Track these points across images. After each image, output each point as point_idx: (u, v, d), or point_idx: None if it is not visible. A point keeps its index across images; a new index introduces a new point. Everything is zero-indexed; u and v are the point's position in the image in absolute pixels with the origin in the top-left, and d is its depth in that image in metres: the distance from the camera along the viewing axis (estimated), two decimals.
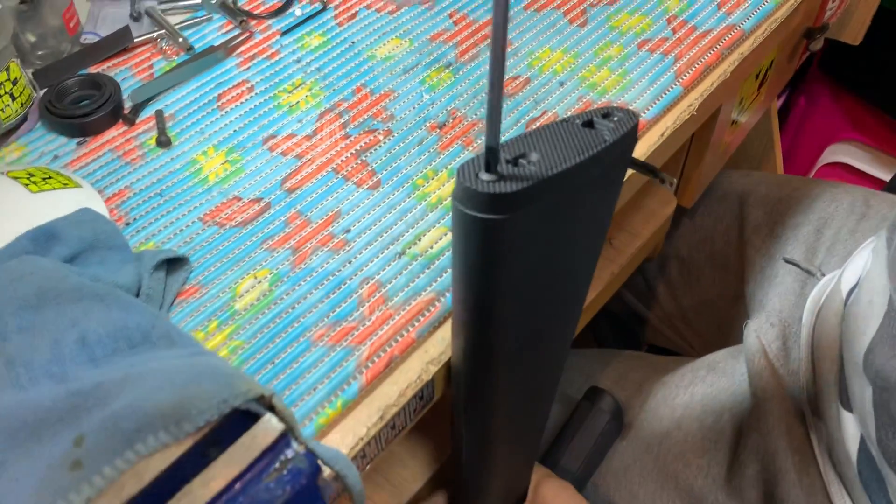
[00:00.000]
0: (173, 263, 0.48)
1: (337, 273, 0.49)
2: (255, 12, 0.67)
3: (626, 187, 0.59)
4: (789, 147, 1.49)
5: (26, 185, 0.49)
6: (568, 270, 0.40)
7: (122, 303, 0.38)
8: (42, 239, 0.44)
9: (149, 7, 0.66)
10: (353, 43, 0.64)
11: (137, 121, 0.58)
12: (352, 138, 0.57)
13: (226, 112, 0.59)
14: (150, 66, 0.62)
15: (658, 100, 0.59)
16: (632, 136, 0.34)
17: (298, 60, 0.63)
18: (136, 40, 0.63)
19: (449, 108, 0.59)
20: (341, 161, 0.55)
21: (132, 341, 0.35)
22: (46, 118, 0.57)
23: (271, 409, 0.31)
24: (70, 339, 0.35)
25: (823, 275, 0.73)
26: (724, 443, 0.67)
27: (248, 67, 0.62)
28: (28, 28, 0.61)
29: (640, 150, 0.57)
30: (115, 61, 0.63)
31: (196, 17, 0.66)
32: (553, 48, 0.63)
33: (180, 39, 0.63)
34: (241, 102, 0.60)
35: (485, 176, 0.30)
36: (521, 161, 0.31)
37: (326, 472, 0.32)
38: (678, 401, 0.71)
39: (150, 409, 0.29)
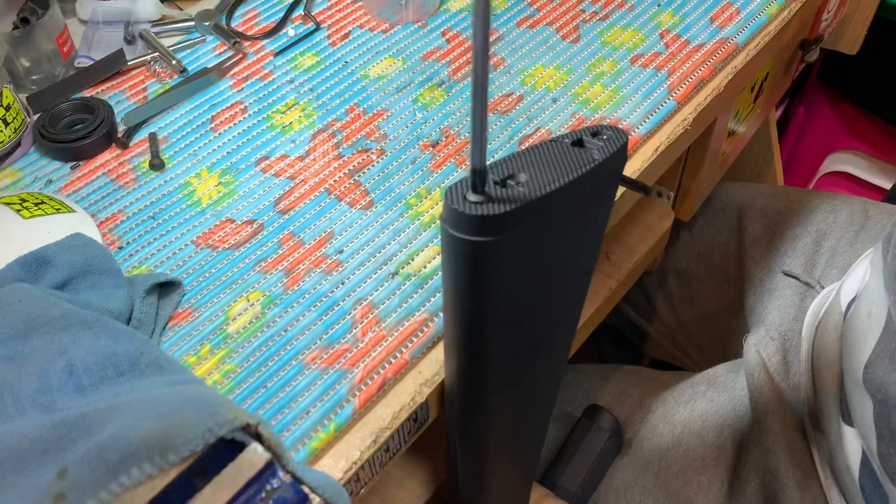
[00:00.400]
0: (166, 287, 0.48)
1: (330, 294, 0.48)
2: (249, 33, 0.67)
3: (622, 202, 0.59)
4: (789, 157, 1.49)
5: (18, 210, 0.49)
6: (560, 289, 0.39)
7: (111, 330, 0.37)
8: (33, 265, 0.44)
9: (142, 30, 0.66)
10: (346, 62, 0.64)
11: (131, 144, 0.58)
12: (345, 158, 0.57)
13: (219, 134, 0.59)
14: (144, 89, 0.62)
15: (652, 115, 0.59)
16: (622, 154, 0.34)
17: (292, 81, 0.63)
18: (129, 63, 0.63)
19: (442, 127, 0.59)
20: (334, 181, 0.55)
21: (120, 369, 0.35)
22: (40, 143, 0.57)
23: (258, 437, 0.30)
24: (57, 368, 0.35)
25: (823, 287, 0.73)
26: (724, 459, 0.66)
27: (242, 89, 0.62)
28: (22, 52, 0.61)
29: (635, 166, 0.56)
30: (108, 84, 0.63)
31: (190, 40, 0.66)
32: (546, 65, 0.63)
33: (174, 62, 0.63)
34: (235, 124, 0.60)
35: (472, 197, 0.30)
36: (510, 182, 0.31)
37: (315, 500, 0.31)
38: (678, 417, 0.70)
39: (134, 439, 0.28)
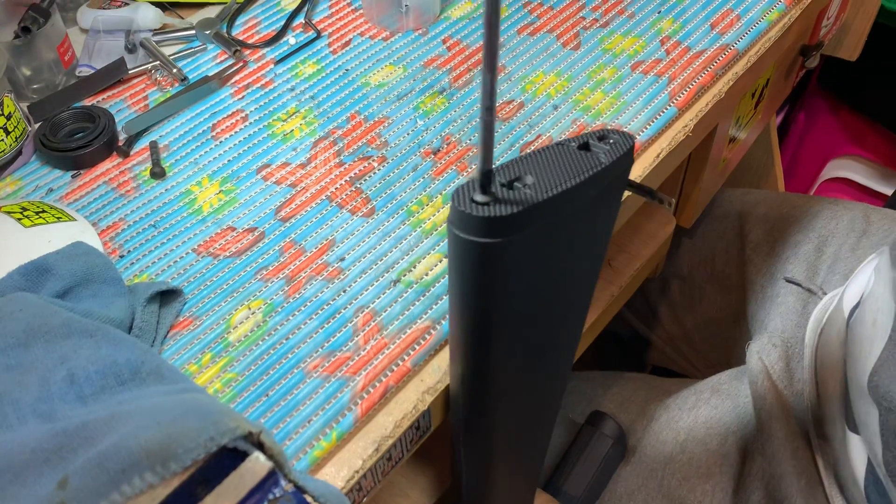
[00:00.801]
0: (167, 295, 0.48)
1: (331, 302, 0.48)
2: (250, 42, 0.67)
3: (624, 208, 0.59)
4: (790, 163, 1.49)
5: (19, 219, 0.49)
6: (566, 292, 0.39)
7: (112, 338, 0.37)
8: (34, 274, 0.44)
9: (143, 38, 0.66)
10: (346, 70, 0.64)
11: (132, 152, 0.58)
12: (346, 166, 0.57)
13: (220, 142, 0.59)
14: (145, 98, 0.62)
15: (653, 121, 0.58)
16: (628, 158, 0.34)
17: (292, 89, 0.63)
18: (130, 72, 0.63)
19: (443, 134, 0.59)
20: (335, 189, 0.55)
21: (121, 378, 0.35)
22: (41, 151, 0.57)
23: (260, 445, 0.30)
24: (58, 377, 0.34)
25: (825, 293, 0.72)
26: (729, 466, 0.66)
27: (243, 97, 0.62)
28: (23, 62, 0.61)
29: (637, 172, 0.56)
30: (109, 93, 0.63)
31: (191, 48, 0.66)
32: (547, 72, 0.63)
33: (175, 70, 0.63)
34: (236, 132, 0.60)
35: (479, 198, 0.29)
36: (516, 184, 0.31)
37: None
38: (682, 424, 0.70)
39: (135, 448, 0.28)
